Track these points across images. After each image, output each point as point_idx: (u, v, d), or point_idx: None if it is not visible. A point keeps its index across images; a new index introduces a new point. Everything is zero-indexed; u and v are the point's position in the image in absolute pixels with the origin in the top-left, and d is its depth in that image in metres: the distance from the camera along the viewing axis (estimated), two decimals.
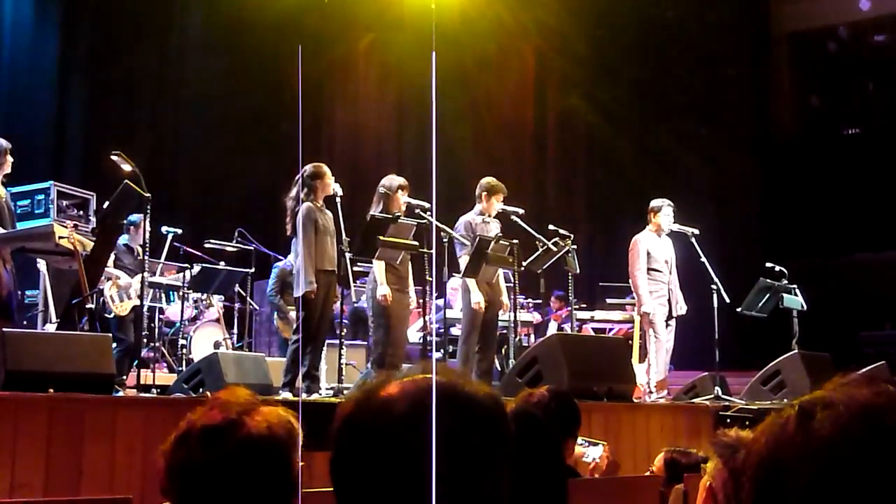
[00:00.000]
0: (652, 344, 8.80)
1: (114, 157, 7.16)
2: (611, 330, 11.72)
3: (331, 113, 14.47)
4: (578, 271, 8.71)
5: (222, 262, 9.95)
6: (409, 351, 8.71)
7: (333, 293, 7.55)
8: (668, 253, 9.09)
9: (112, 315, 8.83)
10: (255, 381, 7.23)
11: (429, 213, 7.65)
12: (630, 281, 9.02)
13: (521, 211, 8.41)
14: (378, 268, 7.62)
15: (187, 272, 9.33)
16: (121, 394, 6.39)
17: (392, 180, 7.84)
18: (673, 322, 8.96)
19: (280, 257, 10.18)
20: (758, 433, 1.14)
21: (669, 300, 8.93)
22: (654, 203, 9.19)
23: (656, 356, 8.74)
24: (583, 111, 15.71)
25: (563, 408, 3.81)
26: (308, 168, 7.61)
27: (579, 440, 4.37)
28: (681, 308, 8.99)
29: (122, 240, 9.17)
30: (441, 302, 9.32)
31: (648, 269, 8.92)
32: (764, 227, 14.00)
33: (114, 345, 7.09)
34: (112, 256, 9.05)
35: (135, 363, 8.38)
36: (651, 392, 8.62)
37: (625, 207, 14.13)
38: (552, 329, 11.63)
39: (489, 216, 8.38)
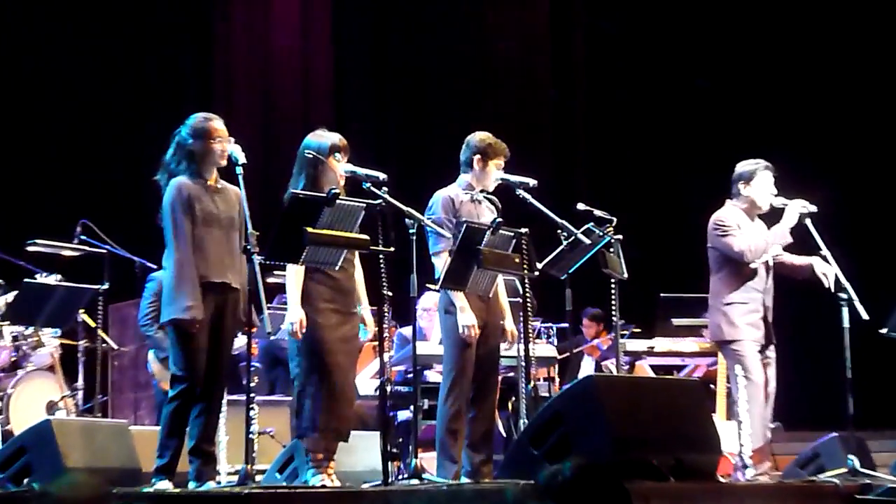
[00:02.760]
0: (742, 389, 8.80)
1: None
2: (681, 369, 11.64)
3: (228, 39, 14.36)
4: (626, 276, 8.73)
5: (57, 276, 9.89)
6: (358, 408, 8.60)
7: (233, 320, 7.55)
8: None
9: None
10: (113, 463, 7.55)
11: (385, 189, 7.58)
12: (715, 276, 9.03)
13: (532, 182, 8.37)
14: (292, 279, 7.62)
15: (1, 294, 9.48)
16: None
17: (321, 139, 7.84)
18: (773, 353, 9.00)
19: (153, 266, 10.21)
20: None
21: (765, 319, 8.96)
22: (745, 168, 9.20)
23: (750, 409, 8.71)
24: (621, 42, 15.72)
25: (597, 496, 3.72)
26: (187, 123, 7.62)
27: None
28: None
29: None
30: (408, 331, 9.22)
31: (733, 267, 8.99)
32: None
33: None
34: None
35: None
36: (746, 466, 8.59)
37: (692, 178, 14.07)
38: (587, 369, 11.53)
39: (482, 192, 8.40)
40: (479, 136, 8.50)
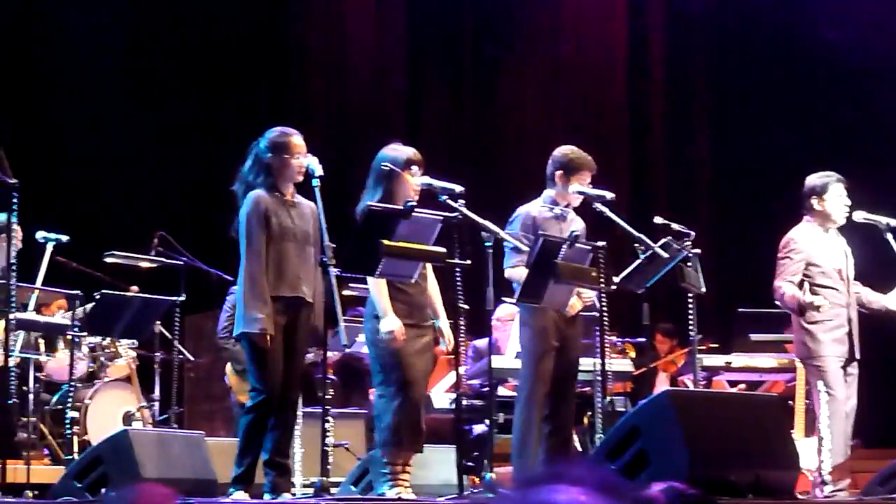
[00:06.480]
0: (824, 405, 8.74)
1: None
2: (759, 385, 11.57)
3: (307, 50, 14.47)
4: (704, 290, 8.72)
5: (134, 287, 9.98)
6: (433, 422, 8.61)
7: (306, 333, 7.61)
8: (843, 259, 9.04)
9: None
10: (189, 474, 7.54)
11: (461, 201, 7.61)
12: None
13: (609, 195, 8.35)
14: (377, 290, 7.59)
15: (79, 305, 9.36)
16: None
17: (397, 152, 7.85)
18: (855, 370, 8.94)
19: (229, 278, 10.15)
20: None
21: (850, 334, 8.88)
22: (815, 181, 9.11)
23: (831, 425, 8.66)
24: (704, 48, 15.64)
25: None
26: (266, 137, 7.66)
27: None
28: None
29: None
30: (483, 343, 9.24)
31: (812, 285, 8.87)
32: None
33: None
34: None
35: None
36: (825, 483, 8.53)
37: (774, 191, 13.98)
38: (662, 385, 11.49)
39: (566, 207, 8.43)
40: (562, 151, 8.48)
